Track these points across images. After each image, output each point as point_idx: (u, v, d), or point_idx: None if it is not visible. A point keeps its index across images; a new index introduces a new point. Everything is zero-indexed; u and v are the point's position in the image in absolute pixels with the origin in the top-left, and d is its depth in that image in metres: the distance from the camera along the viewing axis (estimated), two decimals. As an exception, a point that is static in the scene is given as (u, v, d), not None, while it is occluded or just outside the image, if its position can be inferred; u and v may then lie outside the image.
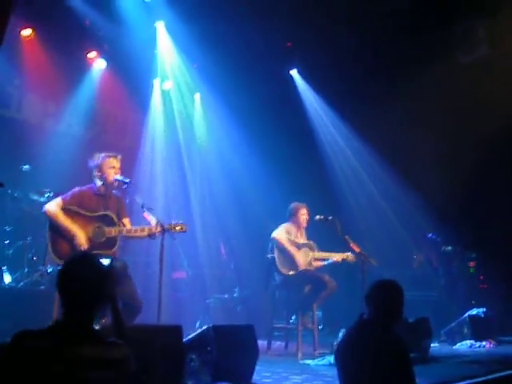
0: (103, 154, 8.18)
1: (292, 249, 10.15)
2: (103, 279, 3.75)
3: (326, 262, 10.36)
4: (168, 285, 9.73)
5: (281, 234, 10.24)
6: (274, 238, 10.19)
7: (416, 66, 12.82)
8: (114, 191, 8.26)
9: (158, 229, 7.82)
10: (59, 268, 7.31)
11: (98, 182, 8.14)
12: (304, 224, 10.46)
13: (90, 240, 7.78)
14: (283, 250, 10.11)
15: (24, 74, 11.95)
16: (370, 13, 12.19)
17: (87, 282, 3.65)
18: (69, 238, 7.75)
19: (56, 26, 11.86)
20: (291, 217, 10.49)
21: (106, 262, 4.24)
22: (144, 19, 12.28)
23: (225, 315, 12.09)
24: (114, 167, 8.14)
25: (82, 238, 7.74)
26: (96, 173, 8.12)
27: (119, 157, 8.28)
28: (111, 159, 8.17)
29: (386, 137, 13.47)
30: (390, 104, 13.02)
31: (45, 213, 7.92)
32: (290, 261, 10.09)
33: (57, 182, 10.79)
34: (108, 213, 7.99)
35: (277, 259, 10.04)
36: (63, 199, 7.95)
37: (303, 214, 10.43)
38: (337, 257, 10.26)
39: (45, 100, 12.70)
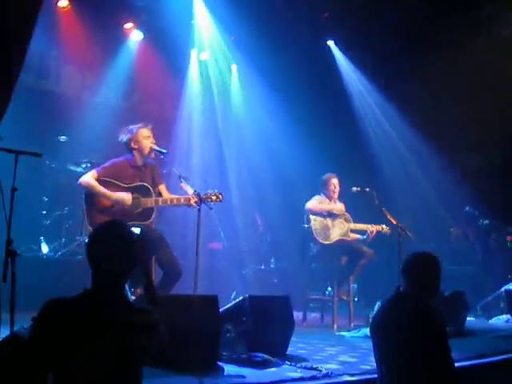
0: (135, 126, 8.21)
1: (326, 206, 10.15)
2: (131, 246, 3.74)
3: (362, 237, 10.32)
4: (204, 255, 9.75)
5: (313, 203, 10.23)
6: (307, 209, 10.18)
7: (456, 40, 12.66)
8: (148, 160, 8.29)
9: (195, 199, 7.84)
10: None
11: (135, 154, 8.17)
12: (335, 195, 10.42)
13: (126, 211, 7.84)
14: (319, 216, 10.09)
15: (61, 46, 11.97)
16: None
17: (114, 248, 3.66)
18: (106, 206, 7.82)
19: (92, -3, 11.89)
20: (322, 188, 10.47)
21: (136, 230, 4.23)
22: (181, -10, 12.24)
23: (261, 286, 12.11)
24: (148, 137, 8.19)
25: (123, 197, 7.80)
26: (132, 145, 8.15)
27: (150, 126, 8.34)
28: (144, 129, 8.22)
29: (424, 111, 13.36)
30: (430, 78, 12.90)
31: (80, 184, 7.98)
32: (325, 231, 10.08)
33: (94, 152, 10.85)
34: (144, 184, 8.02)
35: (314, 229, 10.03)
36: (97, 171, 8.00)
37: (334, 184, 10.39)
38: (372, 228, 10.21)
39: (82, 71, 12.76)
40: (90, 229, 7.77)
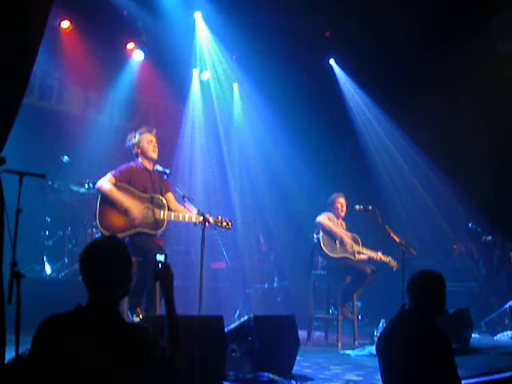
0: (139, 131, 8.29)
1: (338, 230, 10.15)
2: (124, 261, 3.73)
3: (368, 257, 10.32)
4: (208, 275, 9.77)
5: (324, 218, 10.23)
6: (319, 223, 10.17)
7: (457, 57, 12.69)
8: (157, 168, 8.35)
9: (200, 219, 7.88)
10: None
11: (140, 159, 8.24)
12: (342, 214, 10.46)
13: (138, 219, 7.88)
14: (329, 232, 10.09)
15: (64, 66, 12.02)
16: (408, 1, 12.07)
17: (107, 263, 3.65)
18: (121, 211, 7.84)
19: (94, 18, 11.94)
20: (329, 207, 10.48)
21: (161, 257, 4.21)
22: (182, 9, 12.26)
23: (265, 305, 12.10)
24: (151, 141, 8.27)
25: (135, 211, 7.84)
26: (135, 150, 8.23)
27: (154, 131, 8.44)
28: (148, 134, 8.33)
29: (425, 127, 13.39)
30: (430, 94, 12.92)
31: (98, 189, 8.01)
32: (333, 244, 10.07)
33: (96, 172, 10.80)
34: (158, 195, 8.07)
35: (322, 241, 10.00)
36: (114, 175, 8.04)
37: (341, 204, 10.42)
38: (379, 257, 10.22)
39: (85, 91, 12.78)
40: (100, 227, 7.84)
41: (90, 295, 3.65)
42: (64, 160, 10.94)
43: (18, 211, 5.22)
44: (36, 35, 5.00)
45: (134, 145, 8.28)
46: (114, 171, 8.13)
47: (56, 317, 3.56)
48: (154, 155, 8.30)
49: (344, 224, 10.52)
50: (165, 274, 4.11)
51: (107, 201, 7.92)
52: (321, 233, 10.06)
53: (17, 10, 4.89)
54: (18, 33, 4.88)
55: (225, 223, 8.16)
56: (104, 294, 3.64)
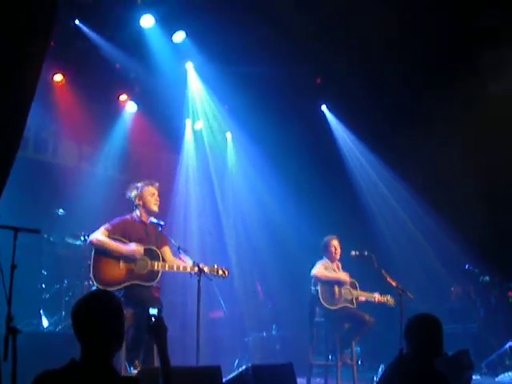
0: (142, 183, 8.35)
1: (333, 275, 10.14)
2: (116, 316, 3.73)
3: (366, 299, 10.31)
4: (205, 324, 9.71)
5: (319, 269, 10.21)
6: (313, 276, 10.16)
7: (447, 98, 12.78)
8: (153, 221, 8.37)
9: (195, 269, 7.89)
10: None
11: (139, 211, 8.27)
12: (337, 256, 10.45)
13: (132, 271, 7.87)
14: (326, 281, 10.07)
15: (58, 119, 12.06)
16: (399, 46, 12.16)
17: (98, 319, 3.65)
18: (114, 264, 7.84)
19: (86, 71, 12.02)
20: (324, 251, 10.48)
21: (154, 311, 4.20)
22: (173, 60, 12.35)
23: (263, 353, 12.03)
24: (154, 194, 8.33)
25: (134, 250, 7.84)
26: (137, 201, 8.26)
27: (157, 184, 8.54)
28: (151, 187, 8.40)
29: (419, 170, 13.45)
30: (423, 138, 13.01)
31: (91, 242, 8.03)
32: (332, 296, 10.05)
33: (92, 225, 10.83)
34: (153, 247, 8.09)
35: (320, 294, 9.98)
36: (107, 229, 8.07)
37: (334, 246, 10.42)
38: (377, 298, 10.22)
39: (79, 144, 12.82)
40: (96, 282, 7.81)
41: (83, 350, 3.64)
42: (59, 213, 10.96)
43: (13, 267, 5.23)
44: (29, 89, 5.04)
45: (136, 196, 8.34)
46: (107, 224, 8.16)
47: (48, 373, 3.54)
48: (156, 208, 8.39)
49: (340, 264, 10.52)
50: (158, 328, 4.10)
51: (101, 252, 7.93)
52: (319, 285, 10.05)
53: (10, 65, 4.94)
54: (11, 87, 4.92)
55: (221, 271, 8.19)
56: (97, 349, 3.62)
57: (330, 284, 10.06)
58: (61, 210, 10.97)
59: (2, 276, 4.84)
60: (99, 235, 8.00)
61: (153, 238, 8.28)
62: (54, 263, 11.04)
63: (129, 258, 7.91)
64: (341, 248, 10.46)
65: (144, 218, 8.34)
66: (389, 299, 10.16)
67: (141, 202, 8.34)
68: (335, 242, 10.45)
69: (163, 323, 4.13)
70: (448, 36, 12.05)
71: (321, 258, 10.48)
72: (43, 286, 10.78)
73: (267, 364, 8.22)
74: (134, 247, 7.94)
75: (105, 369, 3.62)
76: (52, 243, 10.97)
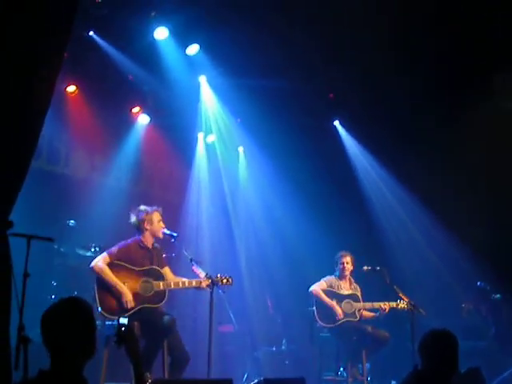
0: (150, 208, 8.32)
1: (328, 300, 10.08)
2: (84, 324, 3.70)
3: (377, 314, 10.24)
4: (215, 338, 9.67)
5: (317, 287, 10.21)
6: (310, 292, 10.17)
7: (460, 116, 12.77)
8: (155, 244, 8.38)
9: (207, 282, 7.88)
10: (107, 323, 7.38)
11: (146, 235, 8.24)
12: (347, 273, 10.42)
13: (138, 294, 7.85)
14: (320, 303, 10.04)
15: (70, 130, 12.06)
16: (409, 63, 12.14)
17: (68, 328, 3.62)
18: (116, 294, 7.80)
19: (99, 82, 12.02)
20: (335, 266, 10.46)
21: (124, 320, 4.22)
22: (187, 74, 12.33)
23: (273, 368, 11.96)
24: (160, 220, 8.32)
25: (128, 295, 7.82)
26: (145, 225, 8.23)
27: (160, 209, 8.56)
28: (157, 213, 8.37)
29: (432, 187, 13.40)
30: (436, 154, 13.00)
31: (92, 269, 8.01)
32: (329, 313, 10.01)
33: (103, 236, 10.85)
34: (154, 267, 8.06)
35: (316, 314, 9.99)
36: (109, 254, 8.05)
37: (346, 262, 10.38)
38: (384, 306, 10.13)
39: (91, 155, 12.80)
40: (102, 311, 7.78)
41: (52, 359, 3.58)
42: (70, 224, 10.95)
43: (26, 275, 5.20)
44: (44, 99, 5.04)
45: (144, 221, 8.32)
46: (110, 249, 8.16)
47: None
48: (161, 234, 8.34)
49: (352, 280, 10.47)
50: (128, 337, 4.08)
51: (103, 284, 7.91)
52: (314, 304, 10.05)
53: (25, 76, 4.94)
54: (26, 96, 4.91)
55: (225, 280, 8.22)
56: (65, 358, 3.57)
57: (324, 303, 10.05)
58: (72, 221, 10.96)
59: (14, 284, 4.82)
60: (101, 263, 8.02)
61: (155, 260, 8.30)
62: (64, 274, 11.01)
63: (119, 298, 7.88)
64: (353, 264, 10.41)
65: (148, 244, 8.35)
66: (399, 303, 10.04)
67: (149, 227, 8.34)
68: (347, 259, 10.43)
69: (133, 332, 4.16)
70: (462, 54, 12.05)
71: (331, 273, 10.45)
72: (53, 296, 10.76)
73: (280, 378, 8.18)
74: (125, 294, 7.89)
75: (75, 378, 3.57)
76: (63, 254, 10.97)
